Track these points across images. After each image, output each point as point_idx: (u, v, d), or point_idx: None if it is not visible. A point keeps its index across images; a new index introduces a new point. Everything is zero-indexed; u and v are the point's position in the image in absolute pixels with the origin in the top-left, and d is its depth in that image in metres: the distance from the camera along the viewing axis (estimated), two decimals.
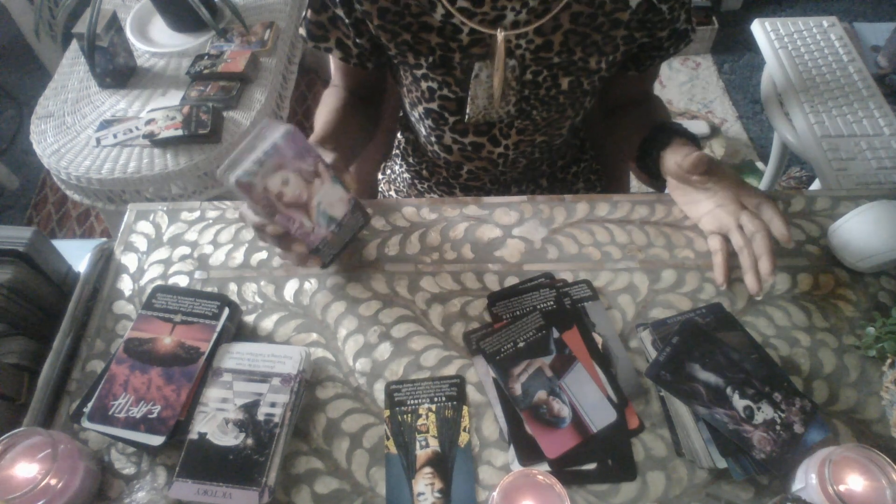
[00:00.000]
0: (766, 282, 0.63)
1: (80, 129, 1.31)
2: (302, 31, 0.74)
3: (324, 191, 0.60)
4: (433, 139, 0.81)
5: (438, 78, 0.71)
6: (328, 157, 0.60)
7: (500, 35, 0.64)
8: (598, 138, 1.02)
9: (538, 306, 0.66)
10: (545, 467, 0.57)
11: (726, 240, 0.68)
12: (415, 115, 0.80)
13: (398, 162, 0.99)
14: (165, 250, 0.74)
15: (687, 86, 2.17)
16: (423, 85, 0.73)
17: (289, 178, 0.57)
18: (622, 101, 0.84)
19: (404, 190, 0.98)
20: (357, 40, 0.72)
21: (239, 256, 0.73)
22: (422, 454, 0.58)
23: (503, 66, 0.67)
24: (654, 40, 0.72)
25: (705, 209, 0.70)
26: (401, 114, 0.96)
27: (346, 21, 0.69)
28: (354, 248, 0.73)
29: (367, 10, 0.66)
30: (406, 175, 0.97)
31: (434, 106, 0.74)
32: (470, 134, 0.77)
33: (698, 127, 1.95)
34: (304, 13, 0.73)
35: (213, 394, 0.59)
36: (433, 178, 0.93)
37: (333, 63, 0.79)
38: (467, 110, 0.72)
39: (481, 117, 0.73)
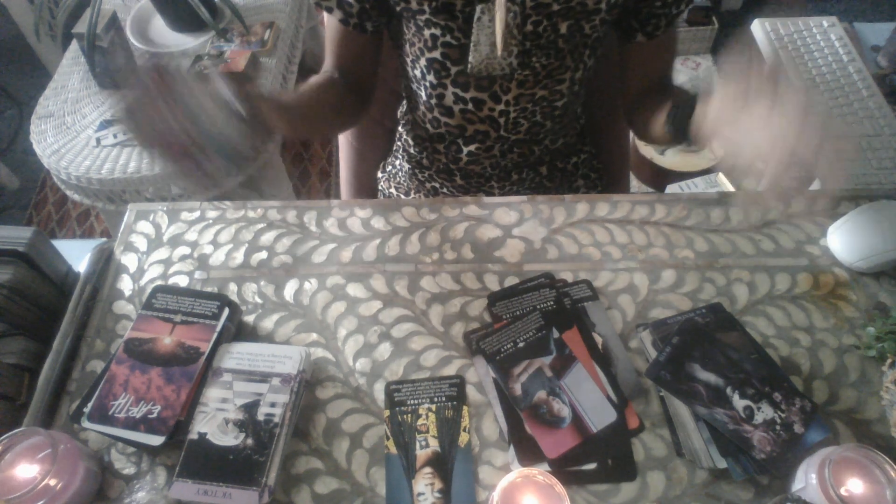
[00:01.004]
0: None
1: (80, 129, 1.31)
2: None
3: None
4: (433, 101, 0.81)
5: (441, 24, 0.71)
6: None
7: None
8: (597, 131, 1.02)
9: (538, 306, 0.66)
10: (545, 467, 0.57)
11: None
12: (417, 73, 0.79)
13: (398, 156, 0.99)
14: (165, 250, 0.74)
15: (687, 86, 2.17)
16: (426, 33, 0.73)
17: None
18: (642, 87, 0.82)
19: (404, 184, 0.98)
20: None
21: (239, 256, 0.73)
22: (422, 454, 0.58)
23: (504, 9, 0.67)
24: None
25: (762, 139, 0.55)
26: (401, 107, 0.96)
27: None
28: (355, 248, 0.73)
29: None
30: (406, 166, 0.97)
31: (437, 55, 0.74)
32: (471, 89, 0.77)
33: None
34: None
35: (213, 394, 0.59)
36: (433, 166, 0.93)
37: (329, 35, 0.79)
38: (470, 58, 0.72)
39: (484, 68, 0.73)
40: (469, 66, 0.73)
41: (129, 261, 0.73)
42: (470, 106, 0.79)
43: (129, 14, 1.52)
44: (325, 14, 0.76)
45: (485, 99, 0.78)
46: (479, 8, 0.68)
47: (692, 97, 0.64)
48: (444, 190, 0.95)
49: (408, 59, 0.79)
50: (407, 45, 0.77)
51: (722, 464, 0.54)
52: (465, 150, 0.85)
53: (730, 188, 1.83)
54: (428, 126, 0.86)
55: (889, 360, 0.61)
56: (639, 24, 0.75)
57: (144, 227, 0.76)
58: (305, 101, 0.75)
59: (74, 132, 1.31)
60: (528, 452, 0.57)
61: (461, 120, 0.82)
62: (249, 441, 0.56)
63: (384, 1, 0.73)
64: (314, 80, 0.77)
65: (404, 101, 0.93)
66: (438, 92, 0.79)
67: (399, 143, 0.98)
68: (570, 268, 0.71)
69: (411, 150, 0.94)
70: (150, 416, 0.57)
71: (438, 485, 0.56)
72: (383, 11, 0.75)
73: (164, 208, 0.78)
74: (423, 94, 0.81)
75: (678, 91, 0.79)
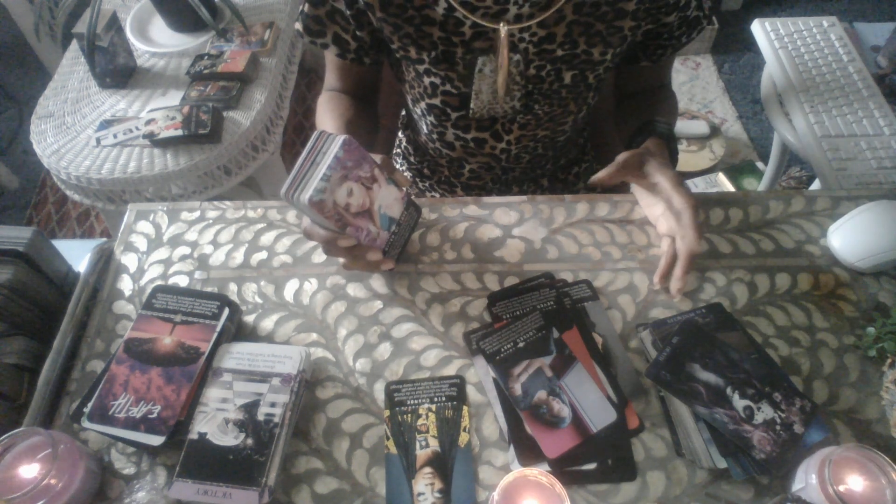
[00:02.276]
0: (674, 286, 0.65)
1: (80, 129, 1.31)
2: (298, 26, 0.73)
3: (382, 194, 0.61)
4: (435, 136, 0.81)
5: (441, 73, 0.70)
6: (376, 158, 0.61)
7: (504, 29, 0.64)
8: (599, 138, 1.02)
9: (538, 306, 0.66)
10: (545, 467, 0.57)
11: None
12: (417, 111, 0.79)
13: (399, 161, 0.99)
14: (165, 250, 0.74)
15: (687, 86, 2.17)
16: (426, 80, 0.72)
17: (352, 189, 0.58)
18: (635, 91, 0.84)
19: None
20: (357, 33, 0.71)
21: (239, 256, 0.73)
22: (422, 454, 0.58)
23: (507, 61, 0.67)
24: (661, 26, 0.71)
25: (659, 211, 0.70)
26: (402, 112, 0.96)
27: (347, 13, 0.69)
28: None
29: (369, 1, 0.66)
30: (407, 174, 0.97)
31: (437, 102, 0.74)
32: (472, 129, 0.77)
33: (698, 127, 1.95)
34: (300, 7, 0.72)
35: (213, 394, 0.59)
36: (434, 176, 0.93)
37: (329, 62, 0.79)
38: (471, 105, 0.72)
39: (485, 112, 0.73)
40: (471, 111, 0.73)
41: (129, 261, 0.73)
42: (471, 144, 0.79)
43: (129, 14, 1.52)
44: None
45: (486, 138, 0.78)
46: (480, 60, 0.68)
47: (644, 136, 0.71)
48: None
49: (408, 97, 0.79)
50: (407, 86, 0.77)
51: (722, 464, 0.54)
52: (468, 167, 0.85)
53: (730, 188, 1.84)
54: (430, 152, 0.86)
55: (889, 360, 0.61)
56: (644, 55, 0.75)
57: (144, 227, 0.76)
58: (366, 141, 0.75)
59: (74, 132, 1.31)
60: (528, 452, 0.57)
61: (462, 153, 0.82)
62: (249, 441, 0.56)
63: (382, 42, 0.73)
64: (341, 108, 0.77)
65: (405, 115, 0.93)
66: (439, 130, 0.79)
67: (399, 150, 0.98)
68: (570, 268, 0.71)
69: (411, 159, 0.94)
70: (150, 416, 0.57)
71: (438, 485, 0.56)
72: (381, 49, 0.75)
73: (164, 208, 0.78)
74: (424, 127, 0.81)
75: (663, 99, 0.82)
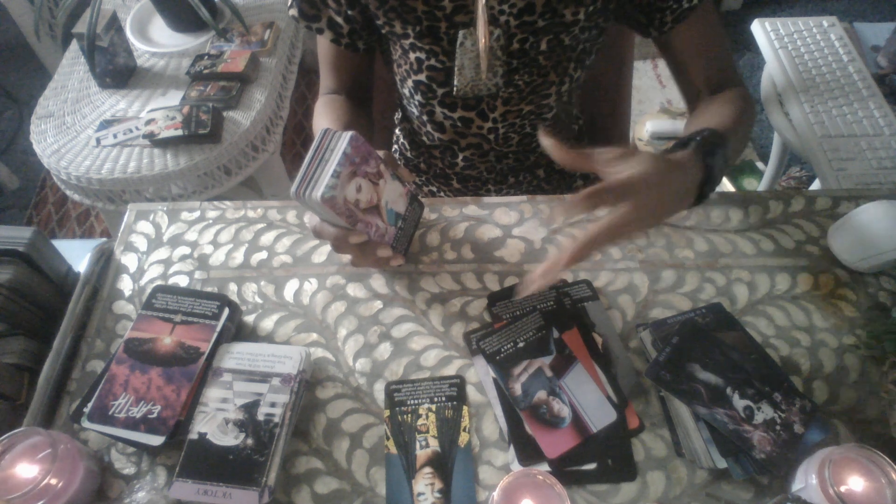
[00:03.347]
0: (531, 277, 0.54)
1: (80, 129, 1.31)
2: (293, 11, 0.73)
3: (388, 189, 0.61)
4: (425, 117, 0.81)
5: (426, 48, 0.71)
6: (379, 154, 0.61)
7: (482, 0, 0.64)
8: (597, 133, 1.02)
9: (538, 306, 0.66)
10: (545, 467, 0.57)
11: None
12: (406, 91, 0.80)
13: (396, 158, 0.99)
14: (165, 250, 0.74)
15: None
16: (412, 56, 0.73)
17: (361, 185, 0.58)
18: (697, 90, 0.75)
19: None
20: (349, 12, 0.71)
21: (239, 256, 0.73)
22: (422, 454, 0.58)
23: (486, 33, 0.66)
24: None
25: None
26: (398, 115, 0.96)
27: None
28: None
29: None
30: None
31: (422, 77, 0.74)
32: (458, 108, 0.77)
33: None
34: None
35: (213, 394, 0.59)
36: (430, 170, 0.93)
37: (323, 56, 0.79)
38: (455, 82, 0.72)
39: (470, 90, 0.73)
40: (455, 88, 0.73)
41: (129, 261, 0.73)
42: (459, 125, 0.79)
43: (129, 14, 1.52)
44: (317, 35, 0.76)
45: (472, 118, 0.78)
46: (461, 33, 0.68)
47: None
48: (441, 194, 0.95)
49: (397, 78, 0.80)
50: (395, 66, 0.77)
51: (722, 464, 0.54)
52: (461, 156, 0.86)
53: (730, 188, 1.84)
54: (423, 138, 0.86)
55: (889, 360, 0.61)
56: (650, 23, 0.71)
57: (144, 227, 0.76)
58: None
59: (74, 132, 1.31)
60: (528, 452, 0.57)
61: (453, 134, 0.82)
62: (249, 441, 0.56)
63: (373, 22, 0.73)
64: (338, 111, 0.76)
65: (399, 110, 0.94)
66: (428, 110, 0.79)
67: (396, 146, 0.98)
68: (570, 268, 0.71)
69: (408, 154, 0.94)
70: (150, 416, 0.57)
71: (438, 485, 0.56)
72: (373, 31, 0.75)
73: (164, 208, 0.78)
74: (413, 109, 0.82)
75: (721, 103, 0.69)
